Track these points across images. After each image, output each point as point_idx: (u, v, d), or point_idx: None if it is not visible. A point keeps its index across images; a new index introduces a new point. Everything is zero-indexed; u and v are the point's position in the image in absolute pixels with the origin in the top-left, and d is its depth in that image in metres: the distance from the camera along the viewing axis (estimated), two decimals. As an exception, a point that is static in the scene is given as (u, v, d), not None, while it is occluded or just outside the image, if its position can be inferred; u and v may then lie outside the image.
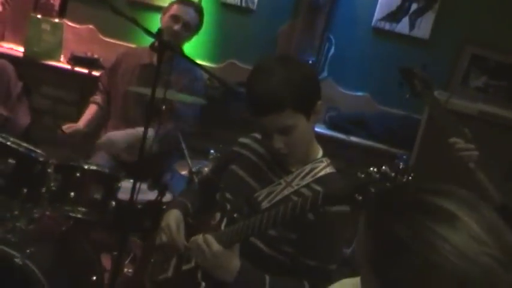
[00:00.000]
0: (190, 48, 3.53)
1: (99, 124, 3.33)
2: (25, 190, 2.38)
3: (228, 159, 1.97)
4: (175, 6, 3.15)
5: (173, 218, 1.92)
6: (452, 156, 2.25)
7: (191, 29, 3.16)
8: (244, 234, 1.66)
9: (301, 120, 1.69)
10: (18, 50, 4.13)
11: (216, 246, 1.66)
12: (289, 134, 1.69)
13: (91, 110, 3.27)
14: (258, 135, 1.93)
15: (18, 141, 2.45)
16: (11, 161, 2.37)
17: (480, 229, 0.84)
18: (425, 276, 0.83)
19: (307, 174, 1.76)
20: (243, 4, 4.03)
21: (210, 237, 1.68)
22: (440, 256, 0.82)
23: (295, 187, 1.75)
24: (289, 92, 1.64)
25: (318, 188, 1.73)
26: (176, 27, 3.09)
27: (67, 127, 3.09)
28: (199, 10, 3.23)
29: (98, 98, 3.31)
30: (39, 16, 4.04)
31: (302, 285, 1.72)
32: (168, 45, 2.40)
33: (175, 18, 3.10)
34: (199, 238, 1.72)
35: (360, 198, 1.39)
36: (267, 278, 1.70)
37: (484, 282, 0.82)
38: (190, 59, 2.71)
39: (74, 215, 2.44)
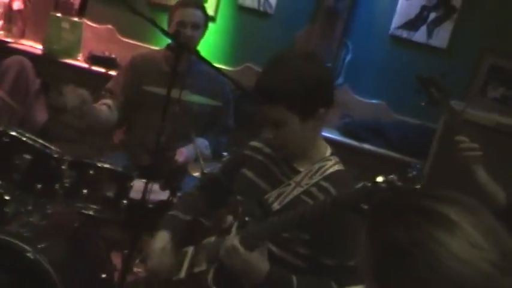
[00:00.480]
0: (207, 51, 3.55)
1: (105, 126, 3.23)
2: (39, 186, 2.40)
3: (238, 162, 1.98)
4: (178, 12, 3.09)
5: (159, 243, 1.95)
6: (457, 155, 2.25)
7: (200, 27, 3.14)
8: (266, 236, 1.67)
9: (293, 119, 1.71)
10: (38, 47, 4.18)
11: (243, 251, 1.66)
12: (278, 128, 1.74)
13: (101, 109, 3.15)
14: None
15: (34, 137, 2.47)
16: (26, 156, 2.39)
17: (479, 235, 0.85)
18: (425, 282, 0.84)
19: (316, 173, 1.77)
20: (261, 8, 4.04)
21: (237, 243, 1.68)
22: (439, 262, 0.83)
23: (305, 187, 1.75)
24: (284, 90, 1.68)
25: (327, 184, 1.74)
26: (186, 32, 3.06)
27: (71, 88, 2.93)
28: (200, 5, 3.20)
29: (108, 101, 3.14)
30: (59, 15, 4.08)
31: (329, 284, 1.71)
32: (185, 46, 2.41)
33: (182, 23, 3.06)
34: (228, 241, 1.71)
35: (366, 207, 1.39)
36: (294, 278, 1.70)
37: (481, 286, 0.83)
38: (207, 61, 2.72)
39: (86, 212, 2.46)
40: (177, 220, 2.01)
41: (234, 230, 1.78)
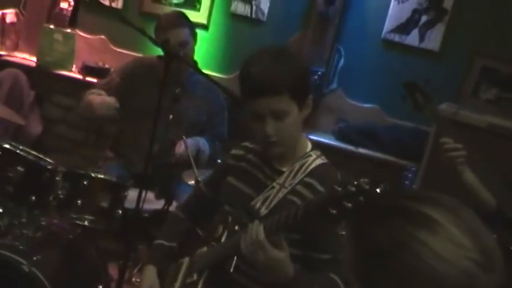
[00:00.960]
0: (200, 59, 3.55)
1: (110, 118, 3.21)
2: (33, 197, 2.40)
3: (222, 172, 1.98)
4: (164, 35, 3.01)
5: (147, 281, 1.95)
6: (442, 156, 2.26)
7: (188, 42, 3.13)
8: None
9: (295, 109, 1.73)
10: (32, 59, 4.18)
11: (271, 249, 1.59)
12: (281, 120, 1.72)
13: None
14: (249, 144, 1.94)
15: (27, 149, 2.48)
16: (19, 168, 2.39)
17: (461, 234, 0.86)
18: (407, 281, 0.85)
19: (298, 171, 1.77)
20: (253, 15, 4.06)
21: (263, 238, 1.60)
22: (422, 262, 0.84)
23: (289, 187, 1.76)
24: (290, 78, 1.70)
25: (311, 180, 1.74)
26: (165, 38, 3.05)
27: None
28: (183, 21, 3.17)
29: (102, 93, 3.13)
30: (51, 26, 4.09)
31: (334, 281, 1.70)
32: (174, 55, 2.42)
33: (172, 42, 3.04)
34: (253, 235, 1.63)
35: (334, 212, 1.39)
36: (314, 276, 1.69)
37: (464, 284, 0.84)
38: (200, 71, 2.72)
39: (81, 223, 2.46)
40: (163, 250, 2.03)
41: (223, 239, 1.78)
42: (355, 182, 1.37)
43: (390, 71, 3.85)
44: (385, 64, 3.92)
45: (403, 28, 3.88)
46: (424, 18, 3.85)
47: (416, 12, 3.86)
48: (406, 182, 3.58)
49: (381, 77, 3.92)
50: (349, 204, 1.37)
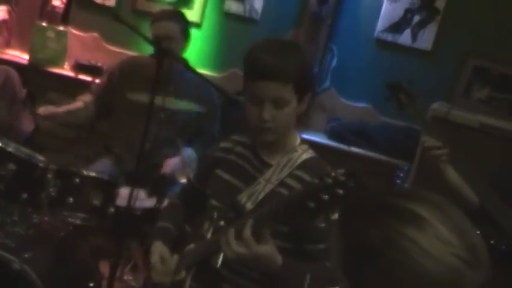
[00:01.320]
0: (193, 57, 3.56)
1: (81, 124, 3.33)
2: (25, 195, 2.40)
3: (211, 165, 1.97)
4: (152, 27, 3.08)
5: (156, 254, 1.91)
6: (424, 155, 2.27)
7: (175, 38, 3.11)
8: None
9: (294, 101, 1.75)
10: (24, 57, 4.17)
11: (256, 245, 1.58)
12: (280, 108, 1.73)
13: (75, 104, 3.24)
14: (237, 137, 1.95)
15: (19, 147, 2.47)
16: (11, 166, 2.38)
17: (447, 230, 0.87)
18: (395, 277, 0.86)
19: (285, 165, 1.78)
20: (247, 14, 4.06)
21: (249, 235, 1.58)
22: (409, 257, 0.85)
23: (275, 182, 1.76)
24: (298, 70, 1.72)
25: (300, 173, 1.75)
26: (158, 32, 3.07)
27: (44, 109, 3.07)
28: (174, 16, 3.17)
29: (86, 97, 3.27)
30: (44, 24, 4.08)
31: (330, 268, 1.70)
32: (166, 53, 2.42)
33: (156, 38, 3.02)
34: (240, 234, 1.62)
35: (312, 205, 1.39)
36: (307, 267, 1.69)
37: (450, 280, 0.85)
38: (191, 68, 2.73)
39: (72, 220, 2.46)
40: (167, 230, 2.01)
41: (209, 235, 1.78)
42: (332, 174, 1.37)
43: (383, 70, 3.86)
44: (377, 63, 3.93)
45: (396, 28, 3.89)
46: (416, 18, 3.86)
47: (408, 12, 3.88)
48: (398, 181, 3.59)
49: (374, 76, 3.93)
50: (327, 197, 1.37)
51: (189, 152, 3.09)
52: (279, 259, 1.62)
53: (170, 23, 3.10)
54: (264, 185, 1.78)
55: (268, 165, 1.82)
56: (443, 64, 3.83)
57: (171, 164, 3.00)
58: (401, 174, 3.59)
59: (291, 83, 1.71)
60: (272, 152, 1.84)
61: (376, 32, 3.91)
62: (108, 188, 2.54)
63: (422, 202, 0.90)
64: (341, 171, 1.37)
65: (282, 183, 1.76)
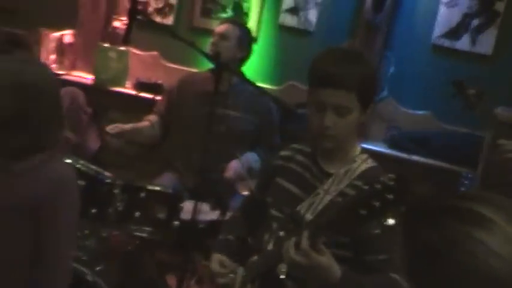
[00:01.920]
0: (250, 71, 3.61)
1: (148, 143, 3.42)
2: (94, 210, 2.49)
3: (271, 174, 2.00)
4: (216, 28, 3.27)
5: (215, 262, 1.96)
6: (500, 158, 2.21)
7: (229, 38, 3.19)
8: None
9: (357, 110, 1.76)
10: (88, 77, 4.33)
11: (315, 256, 1.59)
12: (342, 116, 1.74)
13: (142, 123, 3.34)
14: (297, 146, 1.96)
15: (87, 164, 2.57)
16: (80, 182, 2.48)
17: None
18: (462, 280, 0.86)
19: (344, 176, 1.78)
20: (301, 26, 4.09)
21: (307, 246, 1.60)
22: (477, 259, 0.85)
23: (333, 194, 1.76)
24: (362, 79, 1.74)
25: (360, 184, 1.71)
26: (213, 41, 3.18)
27: (112, 127, 3.18)
28: (235, 21, 3.31)
29: (151, 117, 3.37)
30: (106, 45, 4.23)
31: (393, 279, 1.67)
32: (225, 66, 2.47)
33: (214, 36, 3.20)
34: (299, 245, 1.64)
35: (364, 212, 1.39)
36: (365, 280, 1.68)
37: None
38: (248, 80, 2.77)
39: (139, 234, 2.53)
40: (228, 242, 2.04)
41: (270, 246, 1.80)
42: (381, 179, 1.37)
43: (441, 77, 3.80)
44: (436, 70, 3.88)
45: (454, 33, 3.83)
46: (475, 22, 3.79)
47: (467, 17, 3.81)
48: (463, 189, 3.52)
49: (432, 83, 3.88)
50: (378, 203, 1.37)
51: (250, 156, 3.13)
52: (338, 271, 1.62)
53: (230, 25, 3.23)
54: (323, 196, 1.78)
55: (328, 175, 1.82)
56: (504, 68, 3.74)
57: (233, 168, 3.03)
58: (466, 182, 3.52)
59: (354, 92, 1.72)
60: (332, 161, 1.84)
61: (433, 37, 3.86)
62: (172, 201, 2.59)
63: (487, 204, 0.90)
64: (390, 176, 1.37)
65: (340, 194, 1.76)
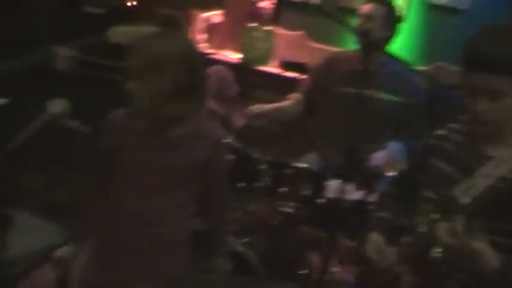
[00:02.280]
0: (397, 50, 3.51)
1: (290, 120, 3.47)
2: (241, 184, 2.57)
3: (425, 153, 1.92)
4: (361, 8, 3.18)
5: (373, 243, 1.93)
6: None
7: (375, 19, 3.10)
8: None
9: None
10: (235, 57, 4.47)
11: (469, 240, 1.55)
12: (495, 100, 1.63)
13: (284, 103, 3.40)
14: (454, 125, 1.87)
15: (235, 140, 2.66)
16: (230, 156, 2.58)
17: None
18: None
19: (508, 160, 1.65)
20: (453, 5, 3.90)
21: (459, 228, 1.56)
22: None
23: (494, 178, 1.65)
24: None
25: None
26: (360, 23, 3.11)
27: (255, 107, 3.26)
28: (384, 3, 3.17)
29: (295, 96, 3.40)
30: (253, 24, 4.32)
31: None
32: (372, 45, 2.42)
33: (359, 16, 3.13)
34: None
35: None
36: None
37: None
38: (395, 57, 2.70)
39: (285, 209, 2.58)
40: (382, 220, 2.02)
41: (424, 228, 1.74)
42: None
43: None
44: None
45: None
46: None
47: None
48: None
49: None
50: None
51: (396, 147, 3.07)
52: (494, 260, 1.55)
53: (375, 4, 3.14)
54: (482, 179, 1.69)
55: (487, 157, 1.72)
56: None
57: (378, 158, 3.00)
58: None
59: (508, 76, 1.60)
60: (493, 144, 1.74)
61: None
62: (317, 179, 2.62)
63: None
64: None
65: (502, 179, 1.66)
